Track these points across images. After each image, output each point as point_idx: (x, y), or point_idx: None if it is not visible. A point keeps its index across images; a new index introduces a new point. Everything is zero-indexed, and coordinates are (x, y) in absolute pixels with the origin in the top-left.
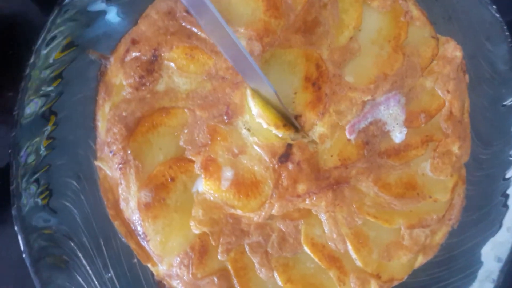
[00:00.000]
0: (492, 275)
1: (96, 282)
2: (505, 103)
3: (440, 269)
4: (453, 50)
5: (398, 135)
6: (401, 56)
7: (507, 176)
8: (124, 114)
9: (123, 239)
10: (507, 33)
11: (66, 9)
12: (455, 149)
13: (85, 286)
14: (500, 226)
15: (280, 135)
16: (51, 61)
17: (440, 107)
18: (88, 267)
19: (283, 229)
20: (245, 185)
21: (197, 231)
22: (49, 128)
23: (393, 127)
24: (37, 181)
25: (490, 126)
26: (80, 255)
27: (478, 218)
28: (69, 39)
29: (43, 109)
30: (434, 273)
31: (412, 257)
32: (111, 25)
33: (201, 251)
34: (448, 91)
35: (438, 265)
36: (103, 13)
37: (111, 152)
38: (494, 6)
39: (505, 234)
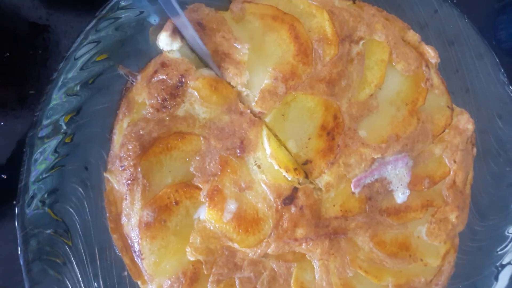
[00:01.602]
0: None
1: None
2: (507, 181)
3: None
4: (465, 123)
5: (400, 196)
6: (415, 121)
7: (500, 250)
8: (141, 132)
9: (117, 252)
10: None
11: (103, 22)
12: (452, 217)
13: None
14: None
15: (289, 178)
16: (80, 69)
17: (445, 175)
18: (78, 274)
19: (275, 269)
20: (246, 221)
21: (192, 258)
22: (67, 132)
23: (397, 187)
24: (45, 182)
25: (489, 200)
26: (73, 261)
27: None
28: (101, 51)
29: (64, 114)
30: None
31: None
32: (143, 44)
33: (192, 278)
34: (455, 161)
35: None
36: (138, 30)
37: (121, 166)
38: (510, 87)
39: None
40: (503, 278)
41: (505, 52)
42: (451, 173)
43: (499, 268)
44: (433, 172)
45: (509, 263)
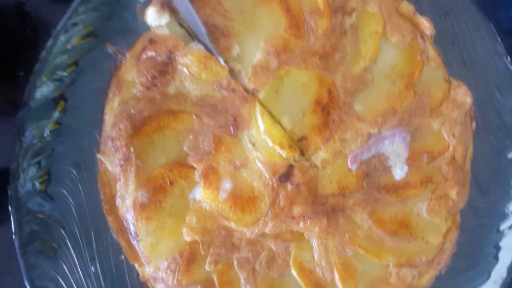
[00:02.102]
0: None
1: (80, 274)
2: (508, 155)
3: None
4: (463, 96)
5: (398, 172)
6: (412, 94)
7: (501, 228)
8: (132, 111)
9: (113, 235)
10: None
11: None
12: (453, 194)
13: (69, 276)
14: (488, 277)
15: (284, 156)
16: (68, 47)
17: (444, 150)
18: (75, 258)
19: (274, 249)
20: (242, 199)
21: (188, 238)
22: (57, 113)
23: (395, 163)
24: (38, 164)
25: (490, 176)
26: (69, 244)
27: (466, 266)
28: (89, 28)
29: (54, 93)
30: None
31: None
32: (131, 21)
33: (189, 258)
34: (453, 136)
35: None
36: (126, 6)
37: (114, 147)
38: (508, 58)
39: (492, 286)
40: (503, 257)
41: (505, 33)
42: (450, 148)
43: (498, 248)
44: (431, 147)
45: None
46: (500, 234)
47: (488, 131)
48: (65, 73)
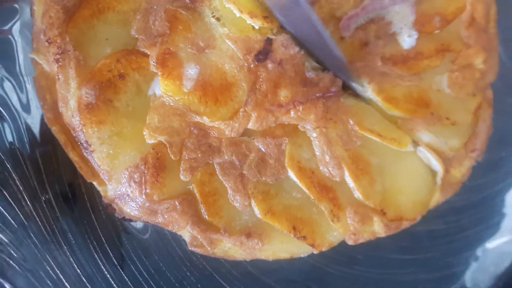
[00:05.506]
0: None
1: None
2: None
3: (459, 217)
4: None
5: (406, 39)
6: None
7: None
8: None
9: None
10: None
11: None
12: (478, 62)
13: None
14: None
15: (256, 27)
16: None
17: (459, 11)
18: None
19: (263, 149)
20: (213, 87)
21: (151, 141)
22: None
23: (400, 28)
24: None
25: None
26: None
27: (508, 155)
28: None
29: None
30: (451, 221)
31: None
32: None
33: (156, 165)
34: None
35: (458, 211)
36: None
37: (47, 41)
38: None
39: None
40: None
41: None
42: (468, 7)
43: None
44: (443, 8)
45: None
46: None
47: None
48: None
